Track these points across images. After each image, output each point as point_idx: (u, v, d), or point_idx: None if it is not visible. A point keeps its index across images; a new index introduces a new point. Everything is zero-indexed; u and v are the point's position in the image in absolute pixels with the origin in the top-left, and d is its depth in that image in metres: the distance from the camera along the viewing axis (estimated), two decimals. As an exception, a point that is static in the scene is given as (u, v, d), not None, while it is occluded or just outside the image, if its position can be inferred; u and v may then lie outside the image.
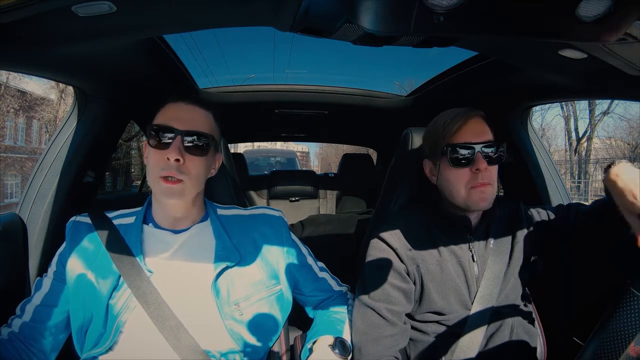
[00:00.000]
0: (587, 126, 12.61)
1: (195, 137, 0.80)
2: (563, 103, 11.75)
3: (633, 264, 0.67)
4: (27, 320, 0.81)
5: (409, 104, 1.90)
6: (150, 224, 0.87)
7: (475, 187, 0.86)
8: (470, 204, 0.87)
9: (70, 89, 1.33)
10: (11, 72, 9.83)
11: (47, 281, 0.84)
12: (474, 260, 0.92)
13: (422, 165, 0.97)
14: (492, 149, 0.86)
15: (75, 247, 0.83)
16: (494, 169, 0.88)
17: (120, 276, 0.79)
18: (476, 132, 0.87)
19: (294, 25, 0.73)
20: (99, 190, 1.41)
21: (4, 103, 12.26)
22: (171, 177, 0.78)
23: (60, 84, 9.59)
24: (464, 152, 0.86)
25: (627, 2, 0.54)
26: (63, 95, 12.50)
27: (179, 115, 0.81)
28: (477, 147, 0.85)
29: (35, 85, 13.29)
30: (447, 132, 0.88)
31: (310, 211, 2.66)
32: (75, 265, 0.81)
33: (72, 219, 0.88)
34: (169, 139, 0.79)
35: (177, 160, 0.77)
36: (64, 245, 0.86)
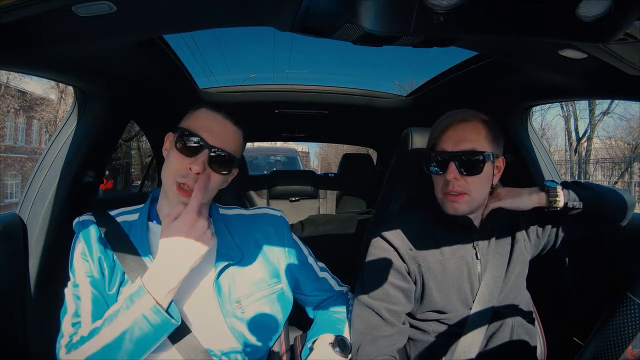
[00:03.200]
0: (587, 126, 12.60)
1: (221, 155, 0.81)
2: (563, 103, 11.75)
3: (629, 268, 0.67)
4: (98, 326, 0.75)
5: (409, 104, 1.90)
6: (155, 221, 0.87)
7: (447, 194, 0.87)
8: (445, 209, 0.89)
9: (70, 89, 1.34)
10: (11, 72, 9.84)
11: (84, 285, 0.78)
12: (477, 258, 0.92)
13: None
14: (471, 159, 0.85)
15: (86, 243, 0.81)
16: (472, 179, 0.86)
17: (125, 273, 0.79)
18: (455, 141, 0.86)
19: (294, 25, 0.73)
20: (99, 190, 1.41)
21: (4, 103, 12.26)
22: (187, 185, 0.79)
23: (60, 84, 9.59)
24: (440, 159, 0.87)
25: (627, 2, 0.54)
26: (63, 95, 12.49)
27: (211, 128, 0.81)
28: (452, 157, 0.85)
29: (35, 85, 13.29)
30: (432, 137, 0.90)
31: (310, 211, 2.66)
32: (91, 261, 0.80)
33: (76, 220, 0.87)
34: (196, 149, 0.79)
35: (199, 174, 0.78)
36: (79, 243, 0.82)
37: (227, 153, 0.82)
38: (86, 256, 0.80)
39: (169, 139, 0.86)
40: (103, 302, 0.78)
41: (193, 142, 0.80)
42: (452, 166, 0.85)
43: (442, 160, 0.87)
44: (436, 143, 0.89)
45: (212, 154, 0.80)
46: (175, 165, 0.80)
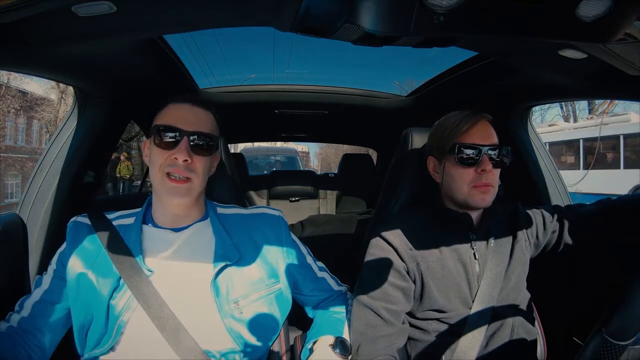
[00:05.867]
0: (587, 126, 12.59)
1: (201, 138, 0.83)
2: (563, 103, 11.75)
3: (629, 269, 0.67)
4: (25, 316, 0.82)
5: (409, 104, 1.90)
6: (150, 224, 0.87)
7: (477, 187, 0.88)
8: (470, 202, 0.89)
9: (70, 89, 1.34)
10: (12, 72, 9.85)
11: (47, 279, 0.85)
12: (475, 258, 0.92)
13: (426, 162, 0.98)
14: (497, 152, 0.89)
15: (75, 247, 0.83)
16: (497, 171, 0.90)
17: (120, 277, 0.79)
18: (484, 135, 0.89)
19: (293, 25, 0.73)
20: (99, 190, 1.41)
21: (5, 103, 12.27)
22: (178, 175, 0.80)
23: (60, 84, 9.60)
24: (471, 152, 0.88)
25: (627, 2, 0.54)
26: (63, 95, 12.51)
27: (184, 117, 0.83)
28: (484, 149, 0.88)
29: (36, 85, 13.32)
30: (456, 132, 0.90)
31: (310, 211, 2.66)
32: (75, 265, 0.81)
33: (73, 219, 0.88)
34: (176, 139, 0.81)
35: (186, 160, 0.80)
36: (64, 245, 0.86)
37: (206, 134, 0.83)
38: (64, 258, 0.83)
39: (147, 145, 0.87)
40: (49, 304, 0.83)
41: (170, 134, 0.81)
42: (486, 158, 0.87)
43: (475, 152, 0.88)
44: (463, 136, 0.89)
45: (192, 139, 0.81)
46: (160, 159, 0.81)
